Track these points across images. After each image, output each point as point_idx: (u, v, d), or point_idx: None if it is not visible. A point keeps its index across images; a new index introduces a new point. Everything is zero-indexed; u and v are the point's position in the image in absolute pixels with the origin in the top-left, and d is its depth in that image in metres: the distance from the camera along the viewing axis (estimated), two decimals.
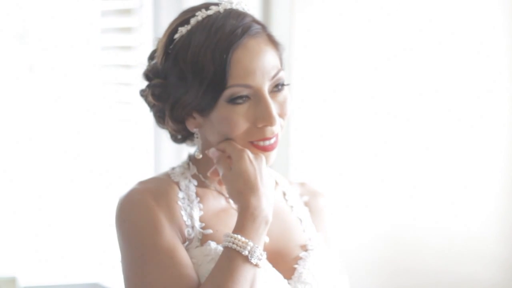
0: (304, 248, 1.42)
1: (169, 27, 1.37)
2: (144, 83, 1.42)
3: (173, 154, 2.40)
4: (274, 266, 1.37)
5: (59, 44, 2.76)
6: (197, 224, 1.35)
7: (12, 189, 2.74)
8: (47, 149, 2.77)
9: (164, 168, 2.37)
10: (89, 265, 2.74)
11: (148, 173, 2.50)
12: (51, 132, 2.78)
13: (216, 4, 1.35)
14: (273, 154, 1.36)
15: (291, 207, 1.48)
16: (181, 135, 1.42)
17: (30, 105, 2.76)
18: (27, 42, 2.76)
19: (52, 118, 2.78)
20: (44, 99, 2.77)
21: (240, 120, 1.31)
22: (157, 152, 2.46)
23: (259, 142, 1.33)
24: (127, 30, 2.62)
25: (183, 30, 1.33)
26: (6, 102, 2.74)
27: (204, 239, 1.35)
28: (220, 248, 1.32)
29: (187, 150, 1.51)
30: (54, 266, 2.74)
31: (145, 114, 2.50)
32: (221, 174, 1.34)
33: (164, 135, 2.25)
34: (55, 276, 2.73)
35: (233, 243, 1.27)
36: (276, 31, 1.40)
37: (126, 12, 2.61)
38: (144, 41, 2.53)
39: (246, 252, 1.27)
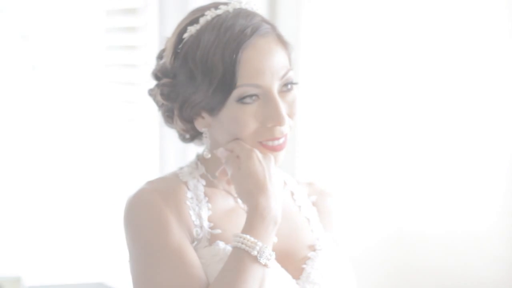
0: (312, 248, 1.42)
1: (178, 27, 1.37)
2: (151, 83, 1.42)
3: (178, 153, 2.39)
4: (282, 266, 1.37)
5: (62, 43, 2.76)
6: (206, 224, 1.35)
7: (16, 189, 2.73)
8: (50, 148, 2.77)
9: (169, 167, 2.37)
10: (94, 265, 2.74)
11: (153, 172, 2.50)
12: (55, 131, 2.78)
13: (225, 4, 1.35)
14: (281, 154, 1.36)
15: (299, 207, 1.48)
16: (189, 135, 1.42)
17: (33, 104, 2.76)
18: (30, 41, 2.76)
19: (55, 117, 2.78)
20: (47, 99, 2.77)
21: (249, 120, 1.31)
22: (162, 151, 2.46)
23: (268, 142, 1.33)
24: (132, 29, 2.61)
25: (192, 29, 1.33)
26: (9, 101, 2.74)
27: (212, 239, 1.34)
28: (228, 248, 1.32)
29: (192, 149, 1.50)
30: (59, 265, 2.74)
31: (149, 113, 2.51)
32: (229, 174, 1.34)
33: (170, 134, 2.26)
34: (60, 275, 2.73)
35: (242, 243, 1.27)
36: (283, 31, 1.40)
37: (131, 11, 2.61)
38: (149, 41, 2.53)
39: (255, 252, 1.27)
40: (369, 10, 2.32)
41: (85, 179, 2.76)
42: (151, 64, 1.44)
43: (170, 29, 1.41)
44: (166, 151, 2.44)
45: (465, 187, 2.27)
